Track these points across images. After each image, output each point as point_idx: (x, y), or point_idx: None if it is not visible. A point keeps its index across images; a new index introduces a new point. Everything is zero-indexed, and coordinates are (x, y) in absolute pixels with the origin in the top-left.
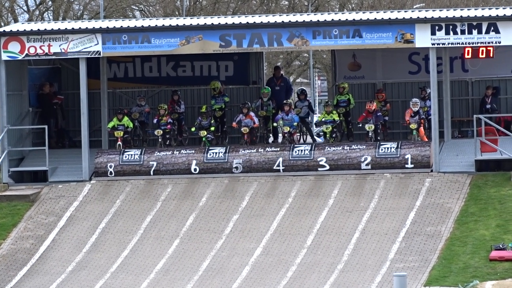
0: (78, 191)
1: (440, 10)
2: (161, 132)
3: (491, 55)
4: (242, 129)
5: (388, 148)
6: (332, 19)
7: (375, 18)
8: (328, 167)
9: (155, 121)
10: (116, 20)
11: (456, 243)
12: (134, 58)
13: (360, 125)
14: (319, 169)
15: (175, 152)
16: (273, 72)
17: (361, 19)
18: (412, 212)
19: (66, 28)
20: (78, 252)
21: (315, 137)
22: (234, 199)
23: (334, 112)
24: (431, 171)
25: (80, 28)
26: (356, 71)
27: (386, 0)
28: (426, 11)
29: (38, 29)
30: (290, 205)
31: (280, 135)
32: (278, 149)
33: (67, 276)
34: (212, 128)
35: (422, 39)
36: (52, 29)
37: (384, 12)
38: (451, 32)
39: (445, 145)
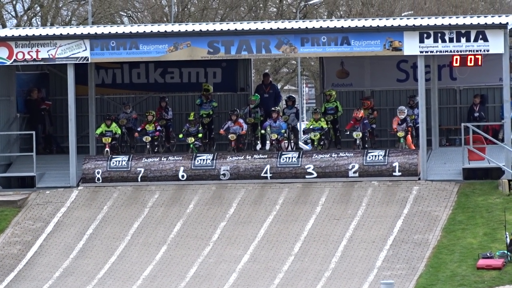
0: (66, 197)
1: (429, 18)
2: (149, 138)
3: (480, 63)
4: (229, 136)
5: (375, 156)
6: (321, 26)
7: (364, 26)
8: (315, 174)
9: (139, 129)
10: (104, 26)
11: (444, 251)
12: (122, 64)
13: (348, 133)
14: (306, 176)
15: (162, 159)
16: (262, 79)
17: (349, 26)
18: (399, 220)
19: (54, 34)
20: (66, 258)
21: (302, 144)
22: (222, 206)
23: (322, 119)
24: (419, 179)
25: (68, 34)
26: (344, 79)
27: (375, 7)
28: (415, 18)
29: (26, 35)
30: (278, 212)
31: (268, 142)
32: (266, 156)
33: (54, 282)
34: (200, 135)
35: (411, 46)
36: (40, 34)
37: (373, 19)
38: (440, 40)
39: (432, 153)
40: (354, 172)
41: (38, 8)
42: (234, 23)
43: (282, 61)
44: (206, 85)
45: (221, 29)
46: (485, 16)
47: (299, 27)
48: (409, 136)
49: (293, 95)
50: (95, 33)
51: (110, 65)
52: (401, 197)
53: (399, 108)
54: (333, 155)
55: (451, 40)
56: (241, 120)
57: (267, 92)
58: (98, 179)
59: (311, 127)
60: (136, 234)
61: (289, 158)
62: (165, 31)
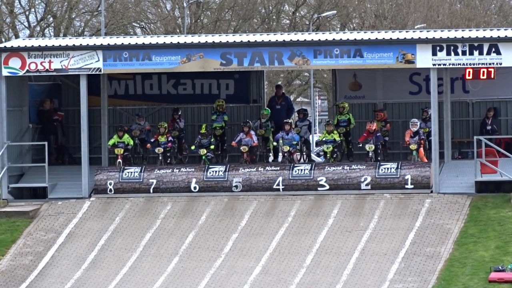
0: (78, 208)
1: (441, 31)
2: (162, 150)
3: (492, 76)
4: (241, 148)
5: (388, 168)
6: (333, 39)
7: (376, 38)
8: (328, 186)
9: (152, 140)
10: (117, 37)
11: (456, 264)
12: (135, 75)
13: (360, 145)
14: (318, 188)
15: (175, 170)
16: (275, 90)
17: (362, 38)
18: (411, 233)
19: (67, 45)
20: (77, 269)
21: (315, 156)
22: (234, 218)
23: (335, 132)
24: (431, 192)
25: (81, 44)
26: (357, 91)
27: (388, 20)
28: (427, 31)
29: (39, 45)
30: (290, 224)
31: (280, 154)
32: (278, 168)
33: None
34: (212, 147)
35: (423, 59)
36: (53, 45)
37: (385, 32)
38: (452, 53)
39: (445, 166)
40: (367, 185)
41: (51, 19)
42: (247, 35)
43: (295, 73)
44: (219, 101)
45: (234, 41)
46: (498, 29)
47: (312, 39)
48: (421, 149)
49: (305, 108)
50: (108, 44)
51: (123, 76)
52: (413, 209)
53: (412, 120)
54: (345, 168)
55: (463, 53)
56: (252, 132)
57: (280, 104)
58: (110, 190)
59: (323, 139)
60: (148, 246)
61: (301, 170)
62: (178, 42)
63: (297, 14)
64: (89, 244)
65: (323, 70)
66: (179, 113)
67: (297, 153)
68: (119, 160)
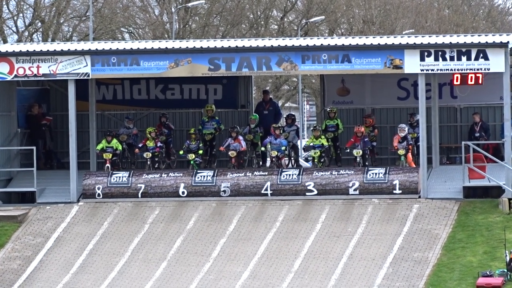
0: (66, 212)
1: (430, 36)
2: (150, 154)
3: (480, 82)
4: (229, 152)
5: (376, 173)
6: (321, 44)
7: (364, 44)
8: (316, 191)
9: (140, 145)
10: (105, 42)
11: (443, 270)
12: (123, 80)
13: (348, 151)
14: (307, 193)
15: (163, 175)
16: (262, 96)
17: (350, 44)
18: (399, 238)
19: (55, 50)
20: (66, 273)
21: (303, 161)
22: (222, 223)
23: (323, 137)
24: (419, 197)
25: (69, 49)
26: (345, 96)
27: (376, 25)
28: (416, 37)
29: (27, 50)
30: (278, 229)
31: (268, 159)
32: (266, 173)
33: None
34: (201, 152)
35: (411, 65)
36: (41, 50)
37: (373, 37)
38: (440, 58)
39: (433, 171)
40: (355, 190)
41: (39, 24)
42: (235, 40)
43: (283, 78)
44: (208, 106)
45: (222, 46)
46: (486, 35)
47: (300, 45)
48: (409, 154)
49: (293, 113)
50: (96, 49)
51: (111, 81)
52: (401, 215)
53: (400, 126)
54: (333, 173)
55: (451, 58)
56: (240, 138)
57: (267, 109)
58: (99, 194)
59: (311, 144)
60: (136, 250)
61: (289, 175)
62: (166, 47)
63: (286, 19)
64: (77, 249)
65: (311, 76)
66: (167, 116)
67: (285, 158)
68: (108, 164)
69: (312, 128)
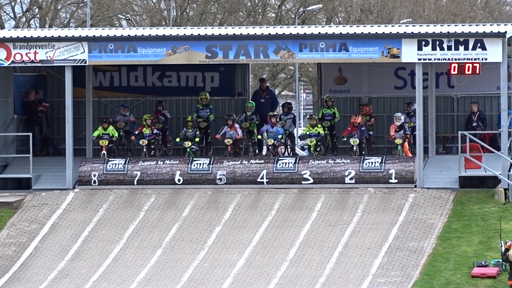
0: (62, 199)
1: (427, 26)
2: (146, 142)
3: (477, 72)
4: (225, 140)
5: (372, 162)
6: (319, 32)
7: (362, 32)
8: (312, 180)
9: (136, 132)
10: (102, 29)
11: (439, 259)
12: (120, 67)
13: (345, 139)
14: (303, 182)
15: (159, 162)
16: (259, 84)
17: (347, 32)
18: (395, 227)
19: (52, 36)
20: (61, 260)
21: (299, 150)
22: (217, 211)
23: (319, 125)
24: (415, 186)
25: (66, 36)
26: (342, 85)
27: (373, 14)
28: (413, 26)
29: (25, 36)
30: (273, 218)
31: (264, 147)
32: (262, 161)
33: (48, 284)
34: (197, 139)
35: (409, 54)
36: (39, 36)
37: (371, 26)
38: (438, 48)
39: (429, 161)
40: (351, 179)
41: (37, 10)
42: (232, 28)
43: (280, 66)
44: (203, 93)
45: (220, 34)
46: (483, 25)
47: (298, 33)
48: (406, 144)
49: (289, 102)
50: (94, 35)
51: (108, 68)
52: (397, 204)
53: (395, 115)
54: (329, 161)
55: (449, 48)
56: (236, 125)
57: (264, 97)
58: (95, 181)
59: (307, 133)
60: (131, 238)
61: (285, 163)
62: (164, 34)
63: (283, 7)
64: (72, 236)
65: (309, 64)
66: (163, 103)
67: (282, 147)
68: (104, 151)
69: (308, 117)
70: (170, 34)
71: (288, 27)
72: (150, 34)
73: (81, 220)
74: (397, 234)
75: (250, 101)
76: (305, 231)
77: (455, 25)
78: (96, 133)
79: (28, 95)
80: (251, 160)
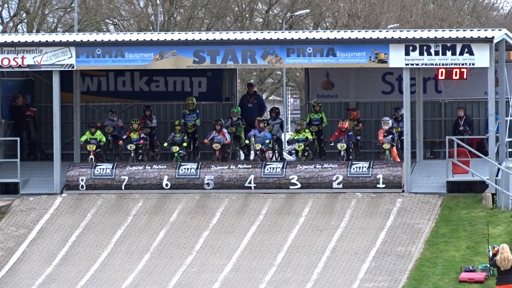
0: (49, 204)
1: (415, 31)
2: (134, 146)
3: (465, 77)
4: (213, 145)
5: (360, 167)
6: (306, 37)
7: (349, 37)
8: (299, 185)
9: (124, 137)
10: (90, 34)
11: (426, 264)
12: (108, 72)
13: (332, 144)
14: (290, 187)
15: (147, 167)
16: (246, 89)
17: (335, 38)
18: (382, 232)
19: (40, 41)
20: (48, 265)
21: (286, 155)
22: (205, 215)
23: (307, 130)
24: (403, 191)
25: (54, 40)
26: (329, 90)
27: (361, 19)
28: (401, 31)
29: (12, 41)
30: (261, 223)
31: (252, 152)
32: (250, 166)
33: None
34: (185, 144)
35: (396, 59)
36: (26, 41)
37: (359, 31)
38: (425, 53)
39: (417, 166)
40: (338, 184)
41: (24, 15)
42: (220, 33)
43: (267, 71)
44: (189, 98)
45: (207, 39)
46: (471, 30)
47: (285, 38)
48: (394, 148)
49: (277, 107)
50: (81, 40)
51: (96, 73)
52: (384, 209)
53: (383, 119)
54: (317, 166)
55: (436, 53)
56: (224, 130)
57: (251, 102)
58: (82, 186)
59: (295, 138)
60: (119, 242)
61: (273, 168)
62: (151, 39)
63: (270, 12)
64: (60, 240)
65: (296, 69)
66: (151, 108)
67: (269, 151)
68: (91, 156)
69: (295, 121)
70: (158, 39)
71: (275, 32)
72: (137, 39)
73: (69, 224)
74: (384, 239)
75: (236, 107)
76: (293, 235)
77: (443, 30)
78: (83, 138)
79: (16, 99)
80: (239, 165)
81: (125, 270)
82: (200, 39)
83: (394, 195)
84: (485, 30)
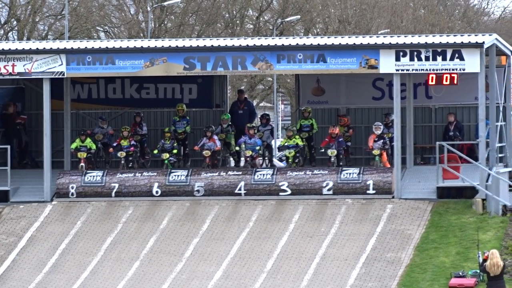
0: (39, 211)
1: (405, 36)
2: (124, 154)
3: (455, 82)
4: (204, 152)
5: (350, 173)
6: (297, 44)
7: (340, 43)
8: (289, 191)
9: (114, 144)
10: (80, 41)
11: (416, 270)
12: (98, 79)
13: (323, 150)
14: (280, 193)
15: (137, 174)
16: (237, 95)
17: (325, 44)
18: (372, 238)
19: (30, 48)
20: (38, 273)
21: (276, 161)
22: (195, 222)
23: (297, 136)
24: (393, 197)
25: (44, 48)
26: (320, 96)
27: (351, 25)
28: (391, 37)
29: (2, 49)
30: (251, 229)
31: (242, 159)
32: (240, 173)
33: None
34: (175, 151)
35: (386, 65)
36: (17, 49)
37: (349, 37)
38: (416, 59)
39: (407, 172)
40: (328, 190)
41: (15, 22)
42: (210, 39)
43: (258, 77)
44: (180, 105)
45: (197, 45)
46: (461, 35)
47: (275, 44)
48: (384, 154)
49: (267, 113)
50: (71, 47)
51: (86, 80)
52: (374, 215)
53: (375, 124)
54: (307, 173)
55: (427, 58)
56: (215, 137)
57: (242, 109)
58: (72, 194)
59: (286, 144)
60: (109, 250)
61: (263, 175)
62: (142, 46)
63: (261, 19)
64: (50, 248)
65: (286, 75)
66: (141, 115)
67: (259, 158)
68: (82, 164)
69: (285, 128)
70: (148, 46)
71: (266, 39)
72: (128, 46)
73: (59, 232)
74: (374, 245)
75: (226, 113)
76: (283, 242)
77: (433, 36)
78: (73, 145)
79: (7, 107)
80: (229, 172)
81: (115, 277)
82: (191, 46)
83: (384, 201)
84: (475, 35)
